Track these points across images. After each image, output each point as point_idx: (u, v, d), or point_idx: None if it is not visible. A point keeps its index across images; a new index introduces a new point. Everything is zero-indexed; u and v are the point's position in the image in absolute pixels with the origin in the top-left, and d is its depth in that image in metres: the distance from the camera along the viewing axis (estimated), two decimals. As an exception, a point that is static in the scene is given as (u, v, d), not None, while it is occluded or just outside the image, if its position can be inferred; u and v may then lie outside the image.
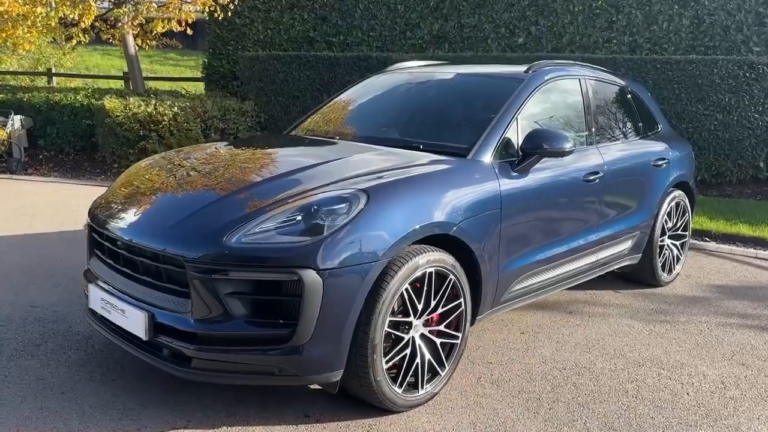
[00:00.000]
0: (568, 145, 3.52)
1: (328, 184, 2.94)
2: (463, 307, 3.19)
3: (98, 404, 2.96)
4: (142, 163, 3.81)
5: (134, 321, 2.81)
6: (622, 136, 4.71)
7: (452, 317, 3.16)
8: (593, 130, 4.32)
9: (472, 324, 3.39)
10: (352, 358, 2.77)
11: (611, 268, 4.62)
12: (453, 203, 3.10)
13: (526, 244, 3.60)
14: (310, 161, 3.39)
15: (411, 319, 2.95)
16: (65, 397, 3.03)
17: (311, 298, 2.58)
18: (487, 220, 3.27)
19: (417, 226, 2.89)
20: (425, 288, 2.97)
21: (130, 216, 3.03)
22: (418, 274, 2.90)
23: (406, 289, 2.87)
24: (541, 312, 4.39)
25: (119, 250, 3.01)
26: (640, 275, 4.97)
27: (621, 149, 4.51)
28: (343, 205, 2.76)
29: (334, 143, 3.95)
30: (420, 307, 2.97)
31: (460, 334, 3.21)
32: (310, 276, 2.57)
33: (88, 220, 3.29)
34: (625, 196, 4.50)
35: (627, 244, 4.59)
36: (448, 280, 3.08)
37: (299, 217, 2.72)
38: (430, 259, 2.95)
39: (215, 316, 2.64)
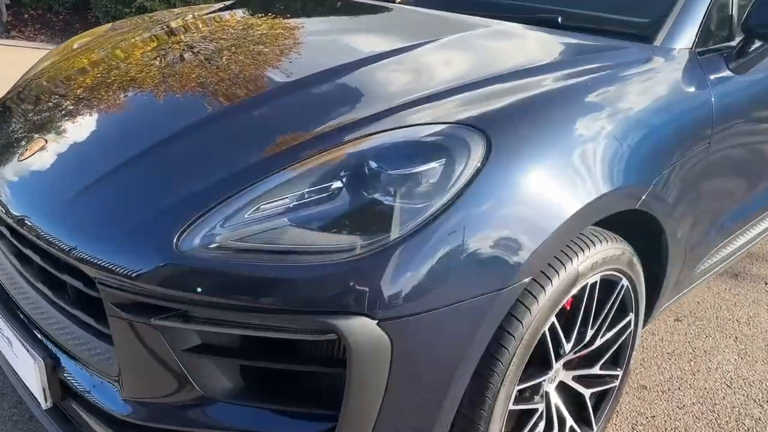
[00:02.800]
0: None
1: (391, 112, 1.40)
2: (632, 327, 1.77)
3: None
4: (74, 42, 2.27)
5: (25, 368, 1.47)
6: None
7: (613, 349, 1.74)
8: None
9: (631, 339, 1.99)
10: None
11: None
12: (644, 144, 1.56)
13: (731, 199, 2.08)
14: (352, 52, 1.83)
15: (549, 370, 1.54)
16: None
17: (366, 371, 1.17)
18: (689, 168, 1.73)
19: (594, 199, 1.38)
20: (581, 311, 1.53)
21: (23, 166, 1.57)
22: (575, 291, 1.46)
23: (551, 324, 1.45)
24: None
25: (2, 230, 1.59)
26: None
27: None
28: (434, 164, 1.26)
29: (398, 11, 2.34)
30: (567, 346, 1.55)
31: (619, 371, 1.82)
32: (363, 330, 1.14)
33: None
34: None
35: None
36: (618, 288, 1.63)
37: (334, 190, 1.25)
38: (598, 260, 1.48)
39: (165, 394, 1.27)
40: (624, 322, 1.73)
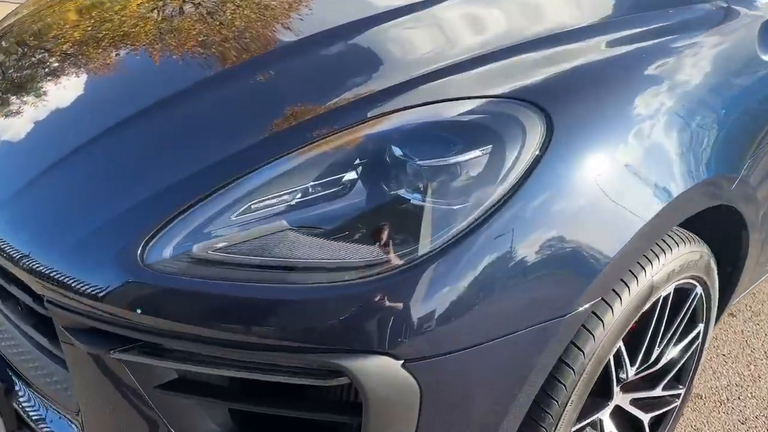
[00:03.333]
0: None
1: (417, 82, 1.08)
2: (700, 339, 1.48)
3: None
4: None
5: (-26, 391, 1.22)
6: None
7: (678, 365, 1.46)
8: None
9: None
10: None
11: None
12: (730, 121, 1.24)
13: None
14: (367, 8, 1.50)
15: (610, 401, 1.27)
16: None
17: (389, 424, 0.90)
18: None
19: (681, 194, 1.07)
20: (650, 328, 1.25)
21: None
22: (647, 306, 1.17)
23: (617, 350, 1.17)
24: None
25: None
26: None
27: None
28: (477, 152, 0.95)
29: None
30: (631, 370, 1.27)
31: (682, 389, 1.54)
32: (384, 373, 0.86)
33: None
34: None
35: None
36: (691, 298, 1.34)
37: (346, 184, 0.96)
38: (675, 268, 1.19)
39: (135, 436, 1.01)
40: (693, 334, 1.44)
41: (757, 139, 1.31)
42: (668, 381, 1.45)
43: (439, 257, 0.88)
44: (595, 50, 1.17)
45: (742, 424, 1.85)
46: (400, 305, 0.87)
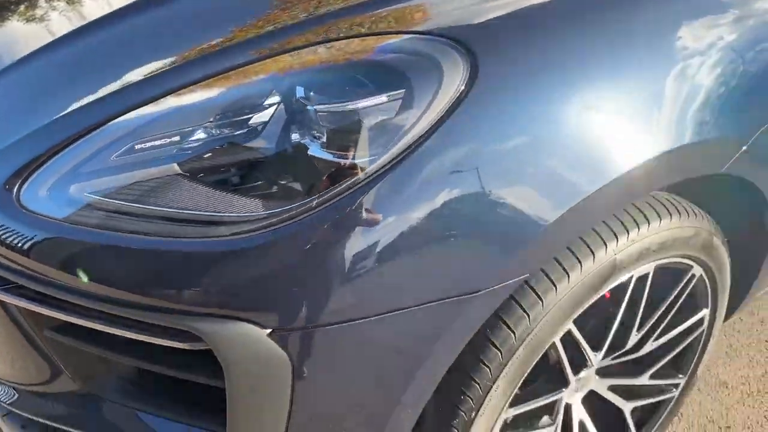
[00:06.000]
0: None
1: (319, 20, 0.92)
2: (704, 326, 1.29)
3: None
4: None
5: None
6: None
7: (674, 352, 1.28)
8: None
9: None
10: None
11: None
12: (741, 74, 1.00)
13: None
14: None
15: (564, 387, 1.12)
16: None
17: (255, 396, 0.81)
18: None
19: (654, 157, 0.88)
20: (620, 311, 1.08)
21: None
22: (608, 287, 1.01)
23: (567, 334, 1.02)
24: None
25: None
26: None
27: None
28: (384, 97, 0.81)
29: None
30: (596, 357, 1.11)
31: (681, 379, 1.36)
32: (246, 342, 0.77)
33: None
34: None
35: None
36: (686, 279, 1.15)
37: (243, 127, 0.85)
38: (652, 245, 1.01)
39: (34, 381, 0.99)
40: (694, 319, 1.25)
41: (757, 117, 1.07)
42: (660, 369, 1.28)
43: (320, 218, 0.77)
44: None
45: (769, 420, 1.64)
46: (270, 269, 0.77)
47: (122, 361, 0.91)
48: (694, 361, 1.34)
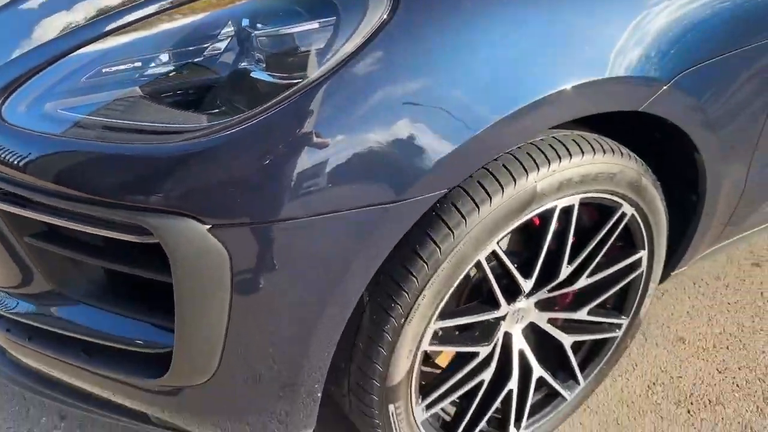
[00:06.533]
0: None
1: None
2: (643, 268, 1.38)
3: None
4: None
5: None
6: None
7: (611, 291, 1.37)
8: None
9: (660, 283, 1.59)
10: (349, 404, 1.19)
11: None
12: (665, 13, 1.10)
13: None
14: None
15: (502, 306, 1.22)
16: None
17: (198, 288, 0.93)
18: (753, 61, 1.24)
19: (562, 90, 0.97)
20: (545, 241, 1.17)
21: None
22: (530, 215, 1.11)
23: (493, 254, 1.12)
24: None
25: None
26: None
27: None
28: (315, 24, 0.92)
29: None
30: (526, 284, 1.21)
31: (624, 320, 1.45)
32: (189, 236, 0.88)
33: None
34: None
35: None
36: (615, 217, 1.24)
37: (201, 54, 0.97)
38: (573, 178, 1.11)
39: (21, 282, 1.12)
40: (631, 260, 1.34)
41: (712, 47, 1.16)
42: (598, 307, 1.38)
43: (256, 127, 0.88)
44: None
45: (720, 372, 1.72)
46: (209, 171, 0.88)
47: (90, 262, 1.04)
48: (636, 302, 1.43)
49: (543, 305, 1.32)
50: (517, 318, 1.30)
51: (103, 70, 0.98)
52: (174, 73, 0.99)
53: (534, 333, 1.36)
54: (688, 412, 1.60)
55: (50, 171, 0.93)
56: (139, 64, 0.98)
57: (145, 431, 1.22)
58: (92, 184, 0.91)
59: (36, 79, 0.98)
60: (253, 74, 0.94)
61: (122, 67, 0.98)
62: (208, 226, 0.89)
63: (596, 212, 1.26)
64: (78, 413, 1.55)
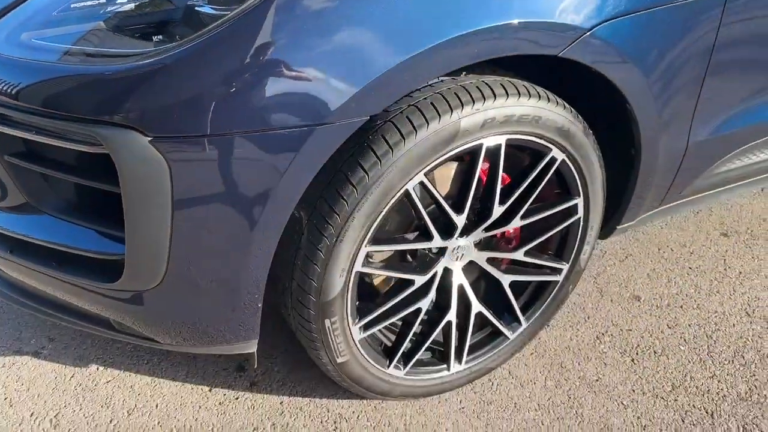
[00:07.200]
0: None
1: None
2: (579, 215, 1.47)
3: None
4: None
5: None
6: None
7: (546, 236, 1.47)
8: None
9: (606, 237, 1.68)
10: (290, 311, 1.31)
11: None
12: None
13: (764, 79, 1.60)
14: None
15: (435, 238, 1.33)
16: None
17: (142, 196, 1.06)
18: (683, 17, 1.32)
19: (462, 33, 1.08)
20: (473, 179, 1.28)
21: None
22: (455, 151, 1.21)
23: (421, 185, 1.22)
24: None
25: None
26: None
27: None
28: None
29: None
30: (458, 218, 1.31)
31: (564, 265, 1.54)
32: (133, 146, 1.01)
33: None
34: None
35: None
36: (545, 162, 1.34)
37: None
38: (497, 118, 1.21)
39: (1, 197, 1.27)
40: (566, 205, 1.44)
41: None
42: (534, 249, 1.47)
43: (195, 50, 0.99)
44: None
45: (669, 328, 1.80)
46: (152, 87, 1.00)
47: (57, 176, 1.17)
48: (575, 249, 1.52)
49: (483, 245, 1.42)
50: (457, 255, 1.40)
51: (73, 6, 1.11)
52: (133, 11, 1.12)
53: (476, 272, 1.46)
54: (632, 360, 1.69)
55: (21, 91, 1.07)
56: (104, 0, 1.11)
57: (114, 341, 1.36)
58: (52, 100, 1.05)
59: (14, 12, 1.12)
60: (197, 8, 1.07)
61: (89, 3, 1.11)
62: (149, 138, 1.01)
63: (528, 157, 1.35)
64: (64, 338, 1.70)
